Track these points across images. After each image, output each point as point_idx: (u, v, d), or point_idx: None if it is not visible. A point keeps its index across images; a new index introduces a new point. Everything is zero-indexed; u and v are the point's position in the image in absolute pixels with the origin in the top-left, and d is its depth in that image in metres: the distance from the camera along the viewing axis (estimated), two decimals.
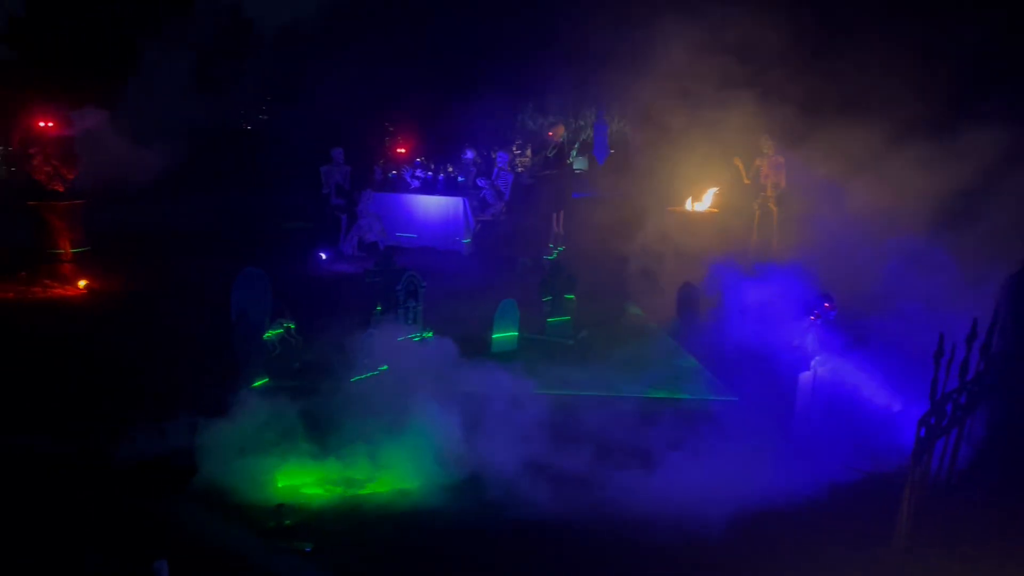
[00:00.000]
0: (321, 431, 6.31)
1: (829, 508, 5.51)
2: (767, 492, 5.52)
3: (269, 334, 8.52)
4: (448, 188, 16.05)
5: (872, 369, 6.18)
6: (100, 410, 6.86)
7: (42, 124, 12.00)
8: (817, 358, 6.35)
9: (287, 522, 5.19)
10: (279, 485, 5.67)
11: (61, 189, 11.95)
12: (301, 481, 5.76)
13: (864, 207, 7.94)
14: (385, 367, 7.99)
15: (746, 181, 12.67)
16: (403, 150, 17.73)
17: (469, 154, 16.70)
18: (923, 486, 5.03)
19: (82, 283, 11.61)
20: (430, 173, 16.48)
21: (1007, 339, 5.37)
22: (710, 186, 12.49)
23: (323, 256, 14.06)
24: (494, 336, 9.14)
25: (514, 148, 18.28)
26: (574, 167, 18.24)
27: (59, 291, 11.45)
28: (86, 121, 12.23)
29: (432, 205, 15.65)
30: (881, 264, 6.49)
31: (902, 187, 7.58)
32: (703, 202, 12.95)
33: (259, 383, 7.42)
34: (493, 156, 17.06)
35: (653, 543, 5.03)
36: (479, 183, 16.05)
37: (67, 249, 11.86)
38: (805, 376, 6.29)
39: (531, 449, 6.17)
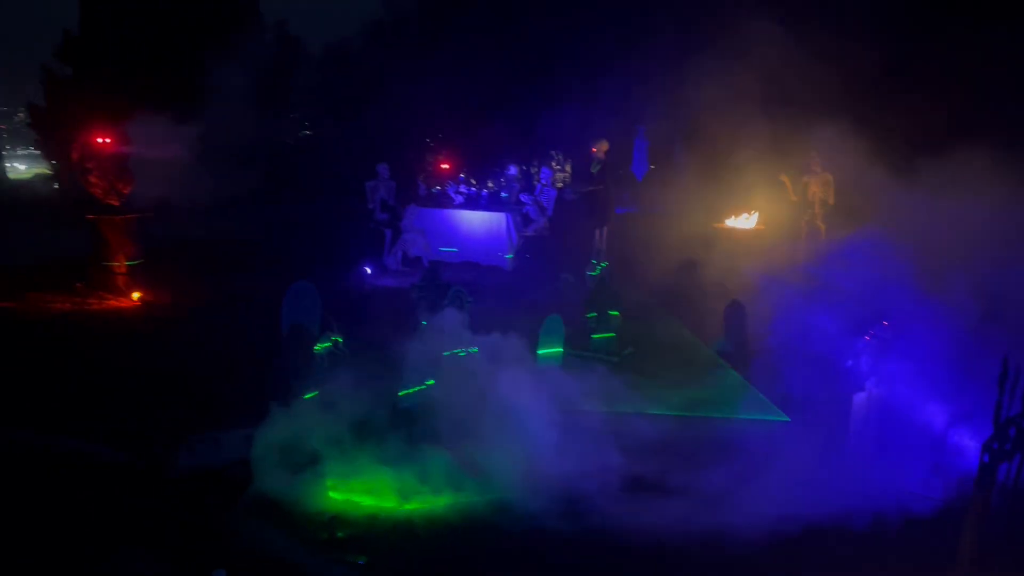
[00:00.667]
0: (371, 444, 6.37)
1: (886, 535, 5.40)
2: (820, 516, 5.43)
3: (318, 347, 8.64)
4: (491, 203, 16.14)
5: (932, 390, 6.04)
6: (156, 420, 7.00)
7: (99, 140, 12.34)
8: (873, 378, 6.23)
9: (340, 534, 5.25)
10: (331, 497, 5.74)
11: (116, 203, 12.27)
12: (354, 493, 5.81)
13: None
14: (431, 381, 8.05)
15: (793, 198, 12.53)
16: (447, 165, 17.88)
17: (512, 170, 16.80)
18: (986, 513, 4.90)
19: (136, 295, 11.91)
20: (473, 188, 16.60)
21: None
22: (756, 203, 12.40)
23: (368, 270, 14.22)
24: (539, 352, 9.13)
25: (553, 164, 18.35)
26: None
27: (114, 303, 11.75)
28: (141, 136, 12.56)
29: (475, 220, 15.73)
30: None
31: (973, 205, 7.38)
32: (749, 219, 12.85)
33: (310, 395, 7.51)
34: (535, 172, 17.13)
35: (704, 561, 5.00)
36: (522, 199, 16.12)
37: (122, 262, 12.16)
38: (860, 397, 6.18)
39: (578, 465, 6.18)
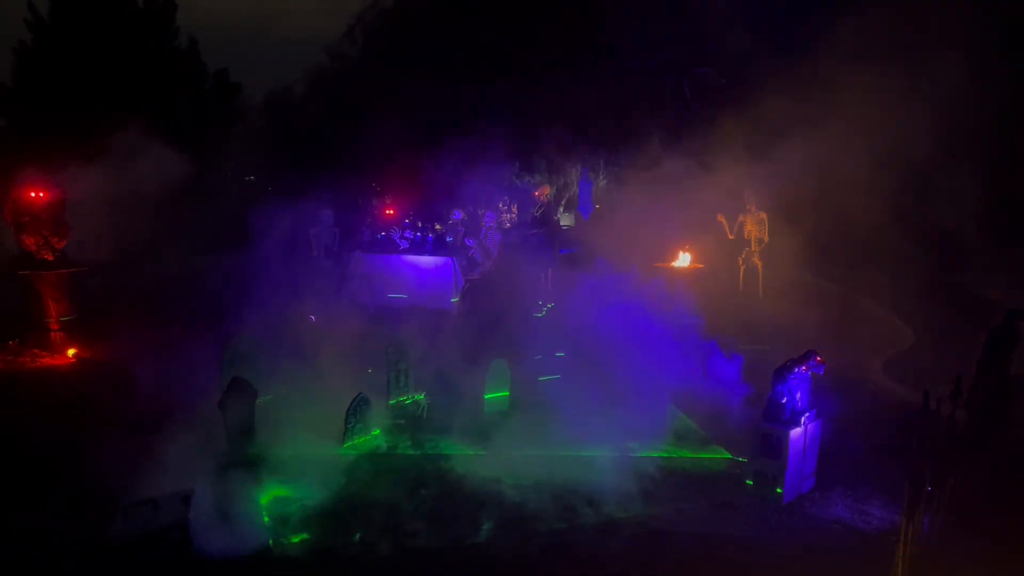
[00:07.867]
0: (315, 497, 6.29)
1: (822, 566, 5.53)
2: (758, 549, 5.56)
3: (261, 399, 8.51)
4: (437, 248, 16.21)
5: (865, 423, 6.24)
6: (90, 485, 6.76)
7: (32, 194, 12.08)
8: (807, 414, 6.41)
9: None
10: (272, 555, 5.64)
11: (51, 258, 11.97)
12: (295, 550, 5.72)
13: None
14: (377, 431, 8.02)
15: (730, 237, 12.90)
16: (392, 211, 17.92)
17: (457, 214, 16.92)
18: (916, 541, 5.06)
19: (71, 352, 11.57)
20: (419, 234, 16.65)
21: (989, 392, 5.47)
22: (695, 241, 12.70)
23: (312, 319, 14.06)
24: (486, 396, 9.15)
25: (500, 205, 18.52)
26: (561, 223, 18.51)
27: (48, 360, 11.39)
28: (77, 189, 12.32)
29: (421, 265, 15.77)
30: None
31: None
32: (684, 258, 13.17)
33: (251, 450, 7.39)
34: (481, 214, 17.25)
35: None
36: (468, 243, 16.22)
37: (56, 317, 11.83)
38: (796, 432, 6.34)
39: (516, 511, 6.26)
